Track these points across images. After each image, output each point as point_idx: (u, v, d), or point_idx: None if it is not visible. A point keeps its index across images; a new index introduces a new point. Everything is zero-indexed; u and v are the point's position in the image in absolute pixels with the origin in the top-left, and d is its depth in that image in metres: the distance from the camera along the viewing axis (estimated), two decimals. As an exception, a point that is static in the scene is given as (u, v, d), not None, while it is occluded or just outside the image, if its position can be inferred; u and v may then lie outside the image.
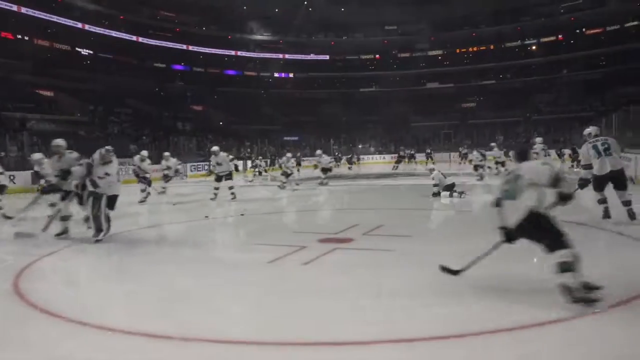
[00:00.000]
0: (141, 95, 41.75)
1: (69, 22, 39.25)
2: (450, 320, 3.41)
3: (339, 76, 56.34)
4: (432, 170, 12.04)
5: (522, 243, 3.86)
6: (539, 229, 3.56)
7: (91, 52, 42.44)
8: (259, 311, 3.81)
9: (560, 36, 49.87)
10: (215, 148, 12.90)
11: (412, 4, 49.05)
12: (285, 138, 45.40)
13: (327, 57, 56.20)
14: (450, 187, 11.35)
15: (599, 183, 6.90)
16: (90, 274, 5.40)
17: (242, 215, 9.54)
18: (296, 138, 45.97)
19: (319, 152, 17.91)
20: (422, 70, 55.31)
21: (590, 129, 7.54)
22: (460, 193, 11.13)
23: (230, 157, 13.45)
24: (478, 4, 49.22)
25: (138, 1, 44.24)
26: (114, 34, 43.04)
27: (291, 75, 55.77)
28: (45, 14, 37.31)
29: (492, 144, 18.58)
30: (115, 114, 37.64)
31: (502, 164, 18.05)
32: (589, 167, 7.02)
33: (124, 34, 43.98)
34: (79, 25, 40.06)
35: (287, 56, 54.79)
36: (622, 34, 45.61)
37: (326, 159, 17.83)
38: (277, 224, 8.79)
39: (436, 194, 11.38)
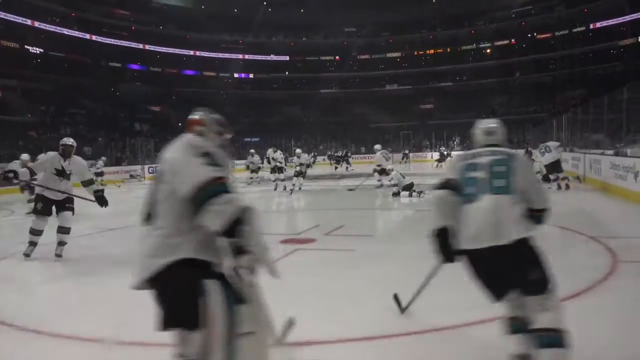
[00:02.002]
0: (95, 95, 40.48)
1: (18, 19, 37.63)
2: (412, 317, 3.46)
3: (299, 77, 56.42)
4: (391, 170, 12.21)
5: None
6: None
7: (41, 50, 40.79)
8: None
9: (512, 40, 51.66)
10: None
11: (371, 6, 49.68)
12: (246, 139, 45.02)
13: (287, 57, 56.13)
14: (409, 187, 11.55)
15: None
16: (44, 280, 5.20)
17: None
18: (257, 139, 45.68)
19: (298, 151, 16.92)
20: (381, 72, 56.10)
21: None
22: (420, 192, 11.34)
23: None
24: (434, 8, 50.41)
25: (92, -1, 42.98)
26: (65, 31, 41.57)
27: (251, 75, 55.40)
28: (-9, 10, 35.67)
29: (298, 150, 17.13)
30: (68, 115, 36.37)
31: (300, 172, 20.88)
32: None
33: (76, 32, 42.55)
34: (28, 22, 38.48)
35: (246, 56, 54.37)
36: (570, 38, 47.70)
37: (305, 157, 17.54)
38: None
39: (396, 194, 11.55)
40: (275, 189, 14.91)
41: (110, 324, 3.54)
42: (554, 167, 11.75)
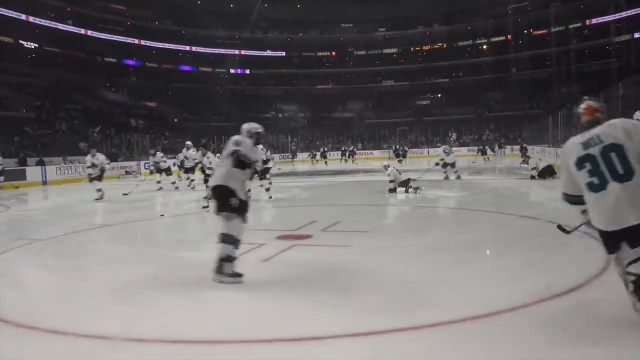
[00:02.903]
0: (91, 90, 40.30)
1: (12, 14, 37.30)
2: (407, 313, 3.46)
3: (295, 73, 56.26)
4: (387, 166, 12.21)
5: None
6: None
7: (36, 45, 40.49)
8: (218, 310, 3.75)
9: (508, 36, 51.67)
10: None
11: (368, 2, 49.57)
12: (242, 135, 44.94)
13: (284, 53, 55.98)
14: (405, 183, 11.55)
15: None
16: (39, 276, 5.17)
17: (205, 208, 9.52)
18: (253, 135, 45.58)
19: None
20: (377, 68, 56.02)
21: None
22: (416, 189, 11.35)
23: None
24: (431, 4, 50.33)
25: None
26: (60, 26, 41.27)
27: (247, 71, 55.22)
28: (-16, 4, 35.32)
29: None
30: (63, 110, 36.18)
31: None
32: None
33: (71, 27, 42.26)
34: (23, 17, 38.15)
35: (243, 52, 54.17)
36: (566, 35, 47.76)
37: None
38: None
39: (392, 190, 11.56)
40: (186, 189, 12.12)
41: (110, 320, 3.52)
42: (452, 165, 14.98)
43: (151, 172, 16.22)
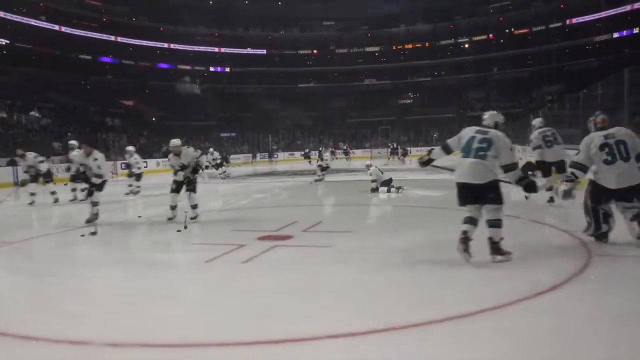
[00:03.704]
0: (65, 88, 39.29)
1: (-18, 9, 36.29)
2: (390, 313, 3.41)
3: (276, 71, 55.91)
4: (369, 166, 12.03)
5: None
6: None
7: (7, 41, 39.37)
8: (197, 312, 3.65)
9: (490, 35, 52.13)
10: None
11: (350, 0, 49.53)
12: (222, 134, 44.46)
13: (265, 51, 55.55)
14: (387, 183, 11.38)
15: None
16: (9, 280, 4.97)
17: (185, 212, 9.04)
18: (233, 134, 45.14)
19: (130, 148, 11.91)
20: (359, 66, 56.03)
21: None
22: (398, 188, 11.19)
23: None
24: (413, 2, 50.53)
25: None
26: (33, 22, 40.23)
27: (227, 69, 54.67)
28: (-47, -2, 34.25)
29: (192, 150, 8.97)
30: (36, 109, 35.19)
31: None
32: None
33: (44, 23, 41.24)
34: (-6, 12, 37.15)
35: (222, 50, 53.58)
36: (547, 34, 48.39)
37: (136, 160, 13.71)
38: (214, 222, 8.42)
39: (374, 190, 11.38)
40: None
41: (83, 325, 3.38)
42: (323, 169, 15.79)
43: (30, 180, 12.03)
